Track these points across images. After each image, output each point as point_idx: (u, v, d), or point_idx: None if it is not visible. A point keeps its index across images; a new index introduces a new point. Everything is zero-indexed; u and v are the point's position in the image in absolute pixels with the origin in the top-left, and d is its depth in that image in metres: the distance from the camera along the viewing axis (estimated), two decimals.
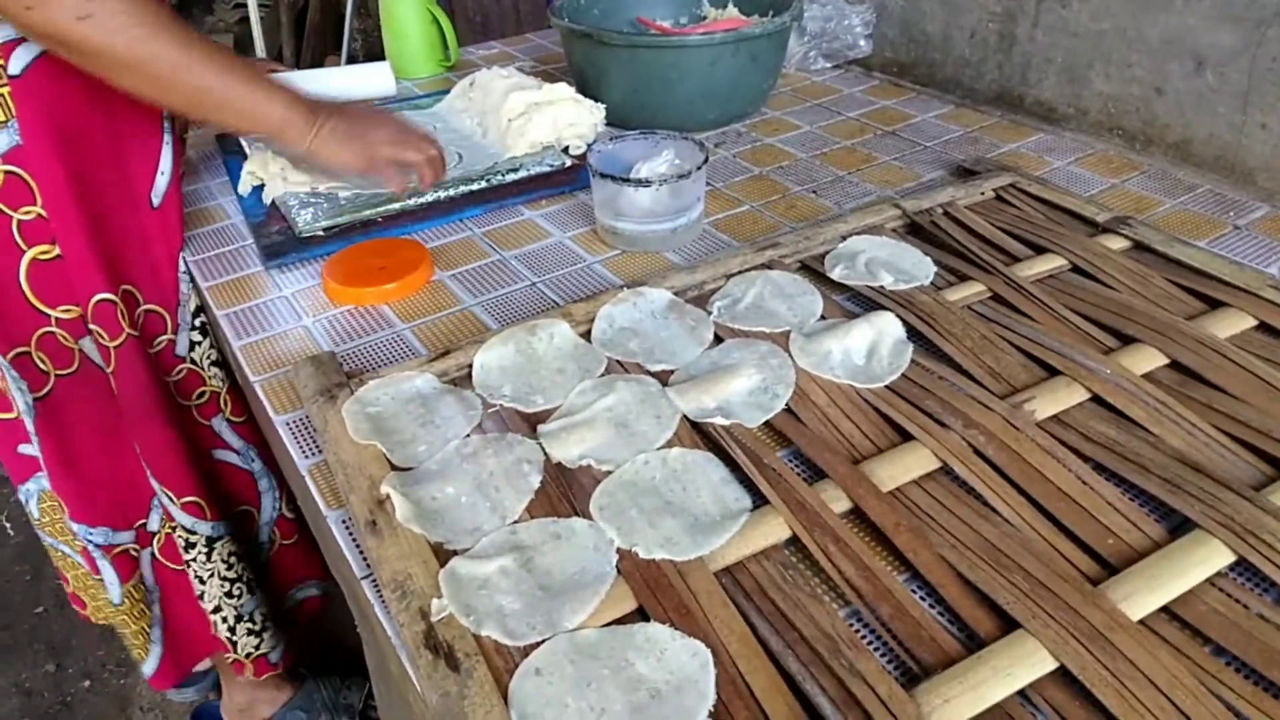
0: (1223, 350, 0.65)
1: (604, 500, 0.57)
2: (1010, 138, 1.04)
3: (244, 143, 1.08)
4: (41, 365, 0.86)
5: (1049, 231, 0.81)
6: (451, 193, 0.96)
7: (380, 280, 0.82)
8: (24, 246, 0.81)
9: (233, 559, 1.00)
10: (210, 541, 0.97)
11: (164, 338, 0.91)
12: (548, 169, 1.01)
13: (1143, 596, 0.48)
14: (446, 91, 1.19)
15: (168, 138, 0.88)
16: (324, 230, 0.91)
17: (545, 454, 0.61)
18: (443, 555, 0.54)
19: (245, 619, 1.03)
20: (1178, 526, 0.53)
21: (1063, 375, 0.64)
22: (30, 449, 0.90)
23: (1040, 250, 0.79)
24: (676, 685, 0.46)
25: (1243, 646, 0.46)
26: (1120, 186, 0.92)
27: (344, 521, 0.59)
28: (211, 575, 0.98)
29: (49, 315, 0.85)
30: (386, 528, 0.55)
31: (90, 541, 0.95)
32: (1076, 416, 0.61)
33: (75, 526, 0.94)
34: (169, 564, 0.99)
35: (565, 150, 1.04)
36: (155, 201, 0.87)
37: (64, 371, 0.88)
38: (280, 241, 0.90)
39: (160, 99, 0.77)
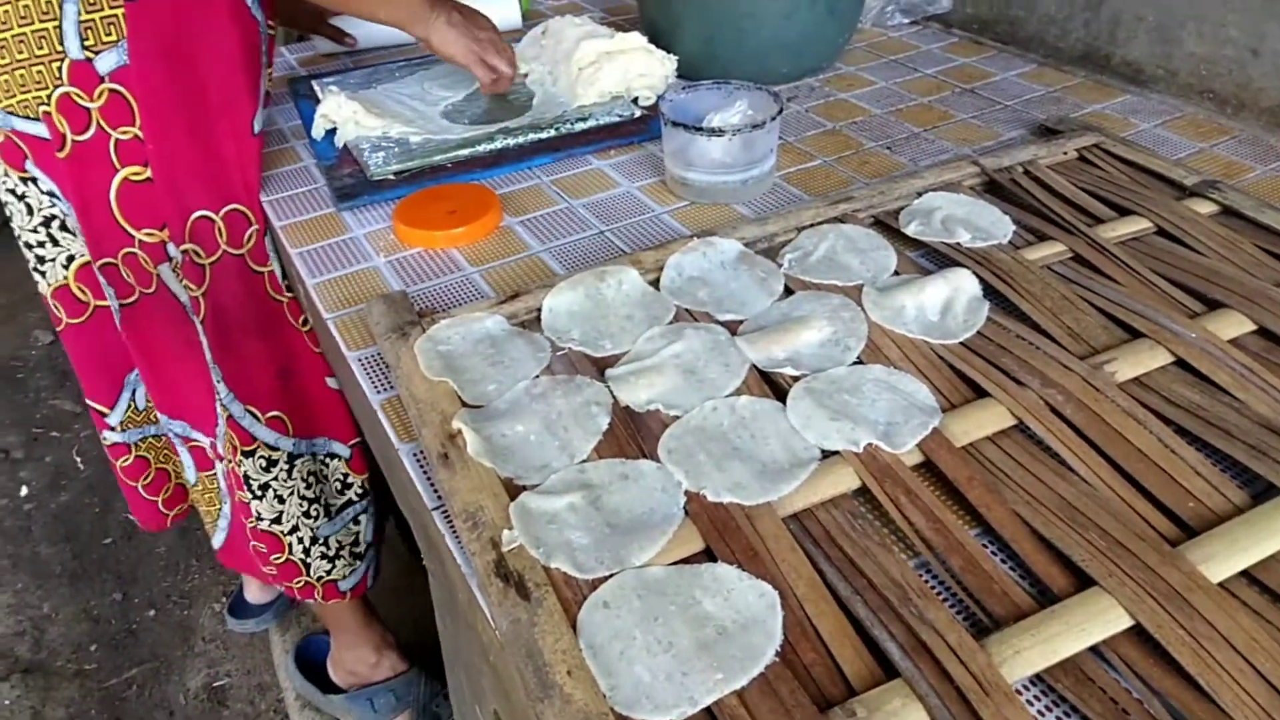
0: None
1: (672, 444, 0.57)
2: (1095, 98, 1.01)
3: (316, 86, 1.09)
4: (127, 279, 0.92)
5: (1134, 193, 0.79)
6: (520, 140, 0.96)
7: (450, 224, 0.82)
8: (118, 165, 0.85)
9: (312, 479, 1.02)
10: (292, 459, 0.99)
11: (269, 267, 0.94)
12: (617, 119, 1.00)
13: (1223, 559, 0.47)
14: (518, 40, 1.19)
15: (267, 71, 0.91)
16: (395, 174, 0.92)
17: (614, 397, 0.61)
18: (512, 490, 0.54)
19: (320, 542, 1.05)
20: (1261, 492, 0.52)
21: (1145, 338, 0.62)
22: None
23: (1124, 212, 0.77)
24: (743, 624, 0.46)
25: None
26: (1209, 151, 0.89)
27: (416, 455, 0.60)
28: (292, 494, 1.01)
29: (133, 236, 0.89)
30: (458, 461, 0.56)
31: (171, 431, 1.02)
32: (1159, 379, 0.60)
33: (159, 416, 1.02)
34: (236, 490, 1.02)
35: (635, 101, 1.04)
36: (256, 128, 0.91)
37: (146, 290, 0.93)
38: (352, 184, 0.91)
39: None
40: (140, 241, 0.89)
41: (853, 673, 0.44)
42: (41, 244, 0.93)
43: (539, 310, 0.70)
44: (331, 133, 1.00)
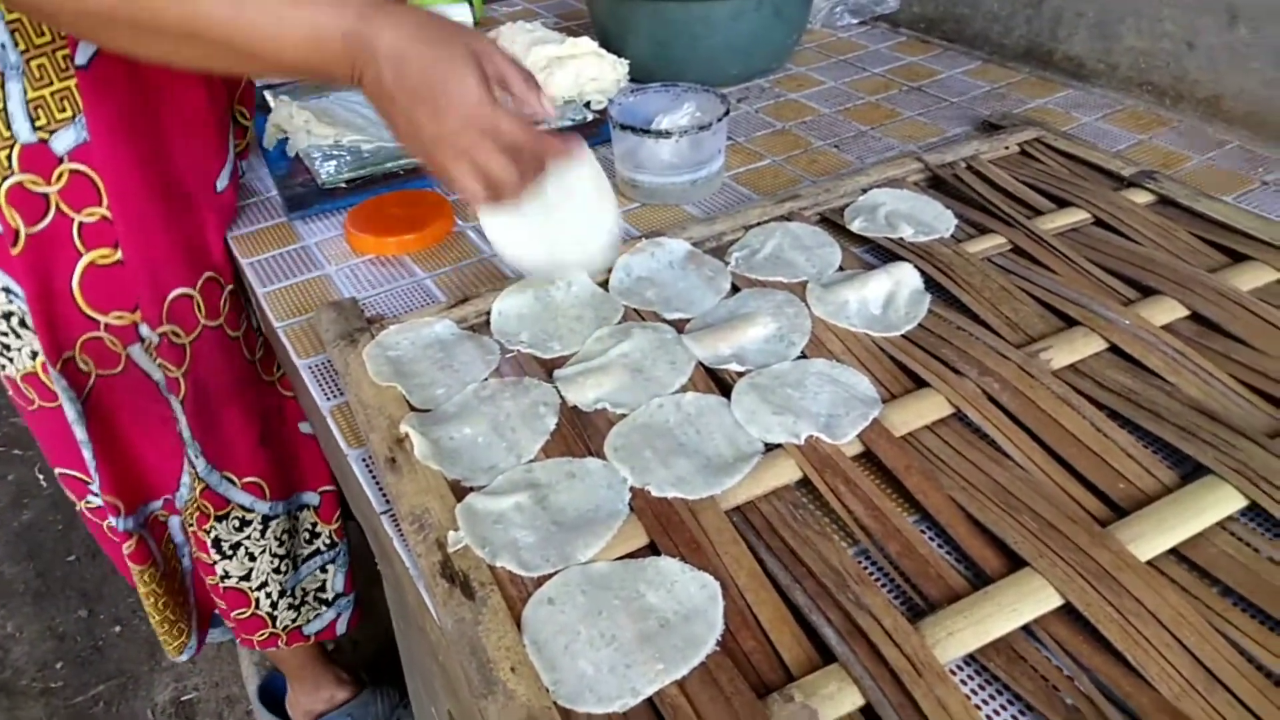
0: (1244, 302, 0.65)
1: (619, 441, 0.58)
2: (1038, 94, 1.03)
3: (268, 95, 1.09)
4: (84, 368, 0.83)
5: (1073, 185, 0.80)
6: None
7: (402, 230, 0.83)
8: (82, 250, 0.77)
9: (285, 537, 1.00)
10: (266, 520, 0.97)
11: (245, 316, 0.90)
12: (569, 123, 1.01)
13: (1152, 538, 0.48)
14: None
15: (232, 119, 0.87)
16: (346, 182, 0.92)
17: (561, 398, 0.62)
18: (459, 492, 0.55)
19: (288, 594, 1.04)
20: (1190, 473, 0.53)
21: (1081, 325, 0.64)
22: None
23: (1063, 204, 0.79)
24: (685, 615, 0.47)
25: (1250, 587, 0.46)
26: (1148, 142, 0.91)
27: (364, 460, 0.60)
28: (264, 552, 0.98)
29: (98, 321, 0.81)
30: (405, 465, 0.56)
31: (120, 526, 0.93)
32: (1093, 366, 0.61)
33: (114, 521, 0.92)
34: (199, 553, 0.99)
35: (587, 105, 1.04)
36: (220, 186, 0.85)
37: (106, 372, 0.85)
38: (304, 193, 0.91)
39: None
40: (106, 325, 0.82)
41: (791, 659, 0.45)
42: (4, 334, 0.81)
43: (489, 314, 0.70)
44: (283, 142, 1.00)
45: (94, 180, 0.76)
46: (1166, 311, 0.65)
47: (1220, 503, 0.50)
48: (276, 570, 1.01)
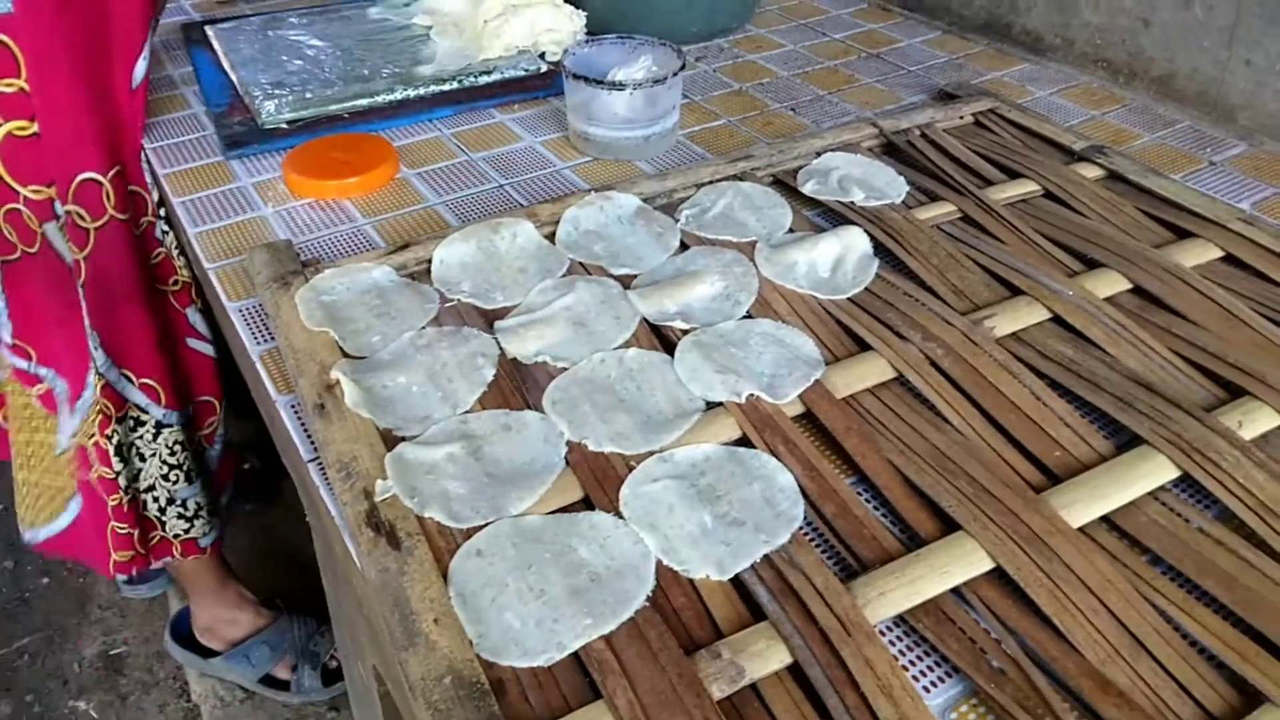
0: (1186, 278, 0.65)
1: (557, 395, 0.57)
2: (995, 66, 1.02)
3: (210, 32, 1.05)
4: (9, 237, 0.87)
5: (1024, 157, 0.80)
6: (422, 92, 0.94)
7: (343, 174, 0.80)
8: (1, 119, 0.80)
9: (177, 448, 1.00)
10: (159, 426, 0.97)
11: (146, 219, 0.90)
12: (522, 73, 0.98)
13: (1084, 505, 0.49)
14: None
15: (152, 23, 0.85)
16: (288, 123, 0.88)
17: (501, 349, 0.60)
18: (391, 441, 0.53)
19: (177, 503, 1.03)
20: (1126, 443, 0.53)
21: (1025, 295, 0.64)
22: None
23: (1014, 175, 0.78)
24: (617, 570, 0.46)
25: (1178, 556, 0.47)
26: (1100, 119, 0.91)
27: (293, 407, 0.58)
28: (153, 455, 0.98)
29: (18, 192, 0.84)
30: (335, 412, 0.54)
31: (38, 373, 0.96)
32: (1035, 335, 0.61)
33: (39, 369, 0.95)
34: (100, 467, 0.98)
35: (542, 56, 1.02)
36: (134, 83, 0.85)
37: (29, 249, 0.88)
38: (243, 132, 0.88)
39: None
40: (25, 198, 0.85)
41: (722, 617, 0.44)
42: None
43: (430, 261, 0.68)
44: (222, 78, 0.96)
45: (14, 51, 0.78)
46: (1110, 284, 0.65)
47: (1153, 473, 0.50)
48: (165, 478, 1.00)
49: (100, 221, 0.85)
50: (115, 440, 0.94)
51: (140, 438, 0.97)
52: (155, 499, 1.01)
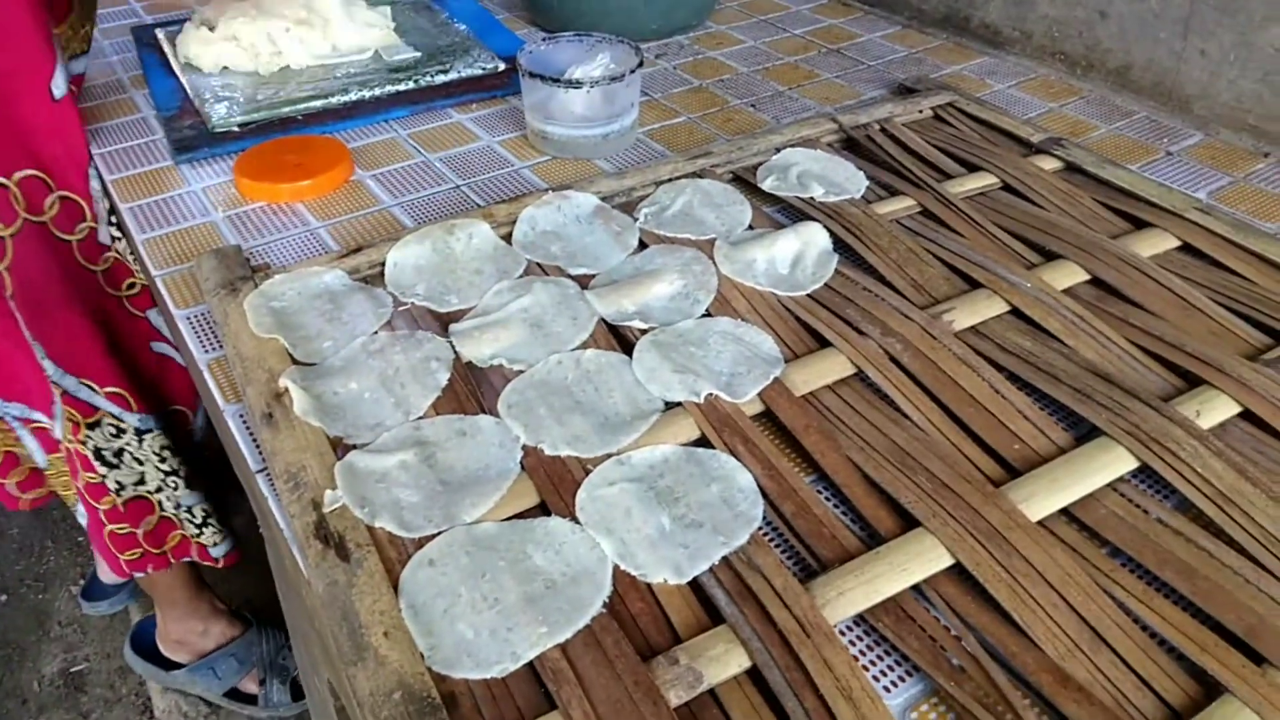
0: (1143, 268, 0.65)
1: (513, 398, 0.56)
2: (954, 60, 1.02)
3: (161, 35, 1.03)
4: None
5: (983, 150, 0.80)
6: (377, 92, 0.92)
7: (296, 177, 0.78)
8: None
9: (165, 453, 0.98)
10: (139, 432, 0.95)
11: (84, 225, 0.87)
12: (479, 72, 0.97)
13: (1043, 498, 0.48)
14: None
15: (57, 31, 0.83)
16: (239, 126, 0.87)
17: (456, 352, 0.59)
18: (341, 450, 0.52)
19: (183, 508, 1.01)
20: (1085, 435, 0.53)
21: (983, 288, 0.64)
22: None
23: (973, 168, 0.78)
24: (573, 577, 0.45)
25: (1138, 548, 0.46)
26: (1058, 111, 0.91)
27: (241, 416, 0.57)
28: (147, 460, 0.96)
29: None
30: (283, 420, 0.53)
31: (9, 415, 0.94)
32: (994, 328, 0.61)
33: None
34: (84, 473, 0.96)
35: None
36: (56, 94, 0.82)
37: None
38: (192, 136, 0.86)
39: None
40: None
41: (680, 621, 0.43)
42: None
43: (383, 264, 0.67)
44: (172, 82, 0.94)
45: None
46: (1068, 275, 0.65)
47: (1112, 464, 0.50)
48: (165, 482, 0.99)
49: (13, 228, 0.82)
50: (91, 445, 0.92)
51: (126, 444, 0.95)
52: (169, 497, 1.00)
